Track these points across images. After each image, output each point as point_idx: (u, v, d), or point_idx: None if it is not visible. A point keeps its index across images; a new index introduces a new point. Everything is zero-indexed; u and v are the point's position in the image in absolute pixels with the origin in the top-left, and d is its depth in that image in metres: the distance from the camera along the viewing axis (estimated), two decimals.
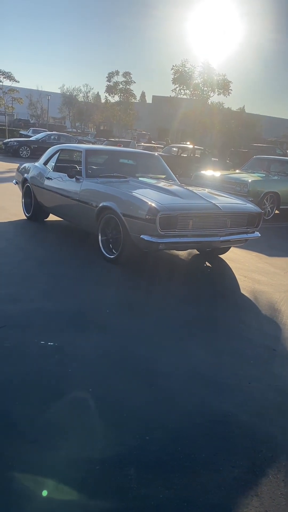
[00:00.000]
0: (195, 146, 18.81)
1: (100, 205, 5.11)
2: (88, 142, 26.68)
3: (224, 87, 17.03)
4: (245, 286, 4.82)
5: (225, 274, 5.30)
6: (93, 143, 24.78)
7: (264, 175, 10.43)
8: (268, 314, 4.09)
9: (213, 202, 4.98)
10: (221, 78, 17.01)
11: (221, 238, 4.91)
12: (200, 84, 17.17)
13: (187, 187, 5.67)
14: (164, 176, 6.44)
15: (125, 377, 2.77)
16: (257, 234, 5.35)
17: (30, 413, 2.35)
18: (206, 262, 5.70)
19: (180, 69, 16.81)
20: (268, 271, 5.47)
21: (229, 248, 5.85)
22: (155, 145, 26.11)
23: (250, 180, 9.39)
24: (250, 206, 5.38)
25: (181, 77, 16.81)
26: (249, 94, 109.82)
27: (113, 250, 5.09)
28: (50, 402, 2.46)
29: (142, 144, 24.65)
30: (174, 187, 5.52)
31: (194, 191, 5.38)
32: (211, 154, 21.22)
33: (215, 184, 9.27)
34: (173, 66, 16.87)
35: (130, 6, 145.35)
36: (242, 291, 4.66)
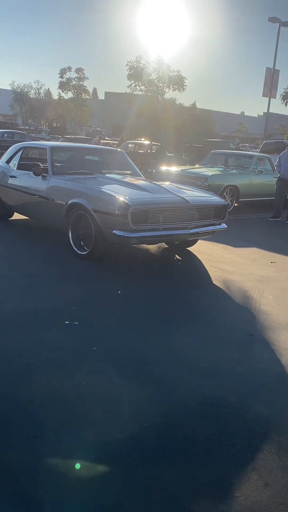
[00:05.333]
0: (152, 142, 18.94)
1: (70, 202, 5.10)
2: (42, 139, 26.19)
3: (179, 83, 17.28)
4: (217, 276, 4.98)
5: (196, 266, 5.44)
6: (47, 141, 24.33)
7: (222, 169, 10.70)
8: (242, 302, 4.26)
9: (182, 196, 5.11)
10: (175, 74, 17.25)
11: (191, 231, 5.05)
12: (155, 80, 17.32)
13: (154, 182, 5.75)
14: (130, 172, 6.50)
15: (116, 369, 2.82)
16: (224, 225, 5.54)
17: (28, 409, 2.36)
18: (176, 255, 5.82)
19: (135, 65, 16.88)
20: (236, 261, 5.67)
21: (196, 241, 6.00)
22: (110, 141, 26.02)
23: (210, 174, 9.61)
24: (216, 199, 5.56)
25: (136, 73, 16.89)
26: (199, 90, 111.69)
27: (84, 247, 5.09)
28: (46, 398, 2.47)
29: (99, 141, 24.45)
30: (141, 182, 5.59)
31: (162, 185, 5.49)
32: (166, 149, 21.41)
33: (176, 179, 9.41)
34: (128, 62, 16.92)
35: (81, 1, 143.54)
36: (215, 281, 4.81)
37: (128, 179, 5.80)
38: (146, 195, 4.97)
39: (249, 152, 14.34)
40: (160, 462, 2.06)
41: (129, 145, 20.30)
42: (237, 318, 3.85)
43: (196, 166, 11.76)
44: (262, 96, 28.70)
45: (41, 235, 6.29)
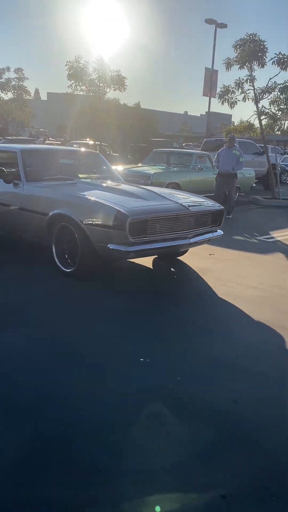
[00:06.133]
0: (96, 142, 18.98)
1: (51, 213, 4.56)
2: None
3: (119, 82, 17.40)
4: (157, 270, 5.14)
5: (135, 262, 5.56)
6: None
7: (164, 167, 10.95)
8: (181, 293, 4.46)
9: (179, 202, 4.67)
10: (115, 74, 17.36)
11: (191, 240, 4.60)
12: (96, 80, 17.34)
13: (143, 187, 5.34)
14: (109, 175, 6.02)
15: (56, 359, 2.88)
16: (221, 232, 5.09)
17: None
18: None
19: (74, 65, 16.80)
20: (186, 255, 5.82)
21: (187, 250, 5.57)
22: (54, 141, 25.74)
23: (152, 172, 9.82)
24: (213, 204, 5.12)
25: (75, 73, 16.81)
26: (144, 91, 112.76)
27: (71, 263, 4.58)
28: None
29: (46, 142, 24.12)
30: (130, 188, 5.14)
31: (153, 190, 5.01)
32: (108, 148, 21.50)
33: None
34: (67, 62, 16.79)
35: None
36: (155, 275, 4.98)
37: (112, 184, 5.33)
38: (142, 203, 4.48)
39: (189, 150, 14.75)
40: (95, 447, 2.16)
41: (74, 145, 20.21)
42: (175, 309, 4.01)
43: (139, 164, 11.94)
44: (203, 95, 29.51)
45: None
